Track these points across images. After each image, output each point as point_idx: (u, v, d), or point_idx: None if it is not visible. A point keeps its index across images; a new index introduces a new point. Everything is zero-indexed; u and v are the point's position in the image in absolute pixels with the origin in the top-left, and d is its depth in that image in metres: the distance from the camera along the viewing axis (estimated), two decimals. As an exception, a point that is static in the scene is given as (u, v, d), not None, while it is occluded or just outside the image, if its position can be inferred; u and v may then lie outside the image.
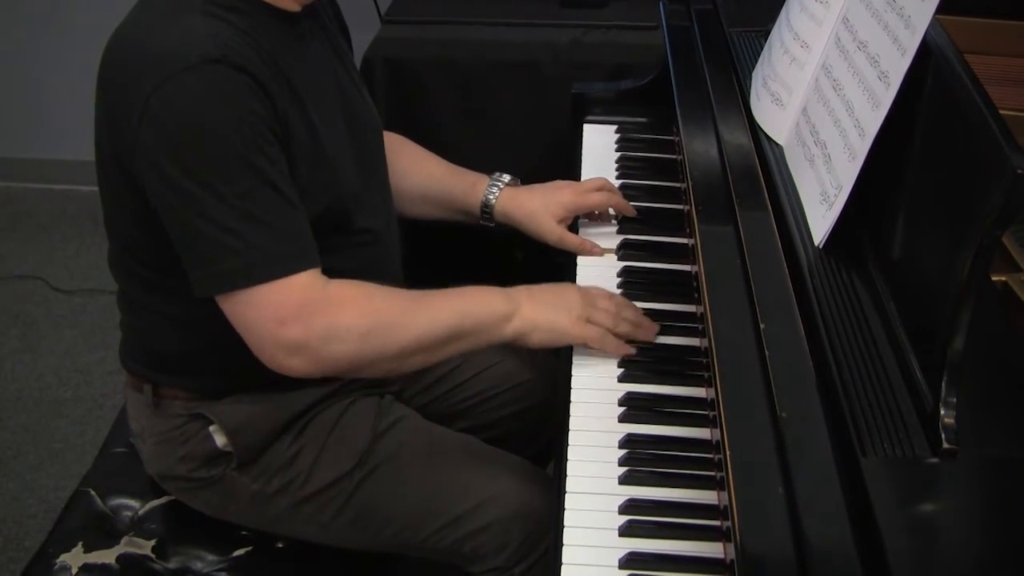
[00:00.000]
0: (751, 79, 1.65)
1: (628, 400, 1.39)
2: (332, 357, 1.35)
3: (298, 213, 1.35)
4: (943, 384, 1.00)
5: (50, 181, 3.52)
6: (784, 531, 0.96)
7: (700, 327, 1.48)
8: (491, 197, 1.72)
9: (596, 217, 1.74)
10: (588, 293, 1.48)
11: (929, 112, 1.17)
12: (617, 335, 1.45)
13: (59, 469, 2.53)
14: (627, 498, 1.26)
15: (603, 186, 1.73)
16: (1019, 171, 0.94)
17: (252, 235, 1.30)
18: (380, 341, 1.37)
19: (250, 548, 1.59)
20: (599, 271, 1.65)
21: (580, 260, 1.68)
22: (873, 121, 1.23)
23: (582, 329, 1.44)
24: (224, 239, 1.29)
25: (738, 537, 0.97)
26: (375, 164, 1.61)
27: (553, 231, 1.69)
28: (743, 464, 1.03)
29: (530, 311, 1.43)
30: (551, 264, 2.04)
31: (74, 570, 1.54)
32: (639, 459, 1.31)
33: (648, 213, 1.76)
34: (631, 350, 1.46)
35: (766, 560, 0.96)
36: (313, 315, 1.33)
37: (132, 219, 1.40)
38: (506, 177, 1.74)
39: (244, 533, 1.60)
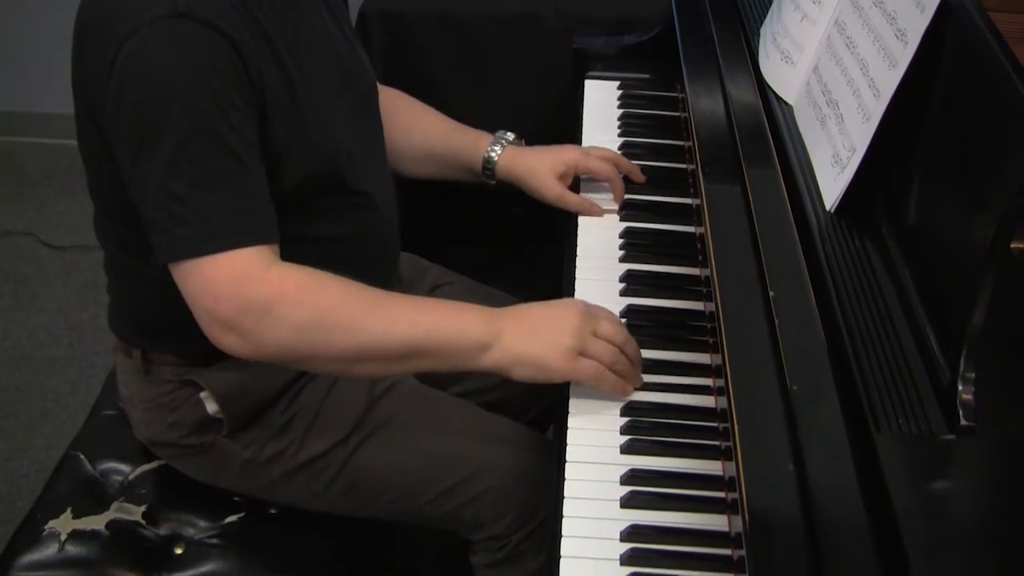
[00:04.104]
0: (760, 35, 1.60)
1: (630, 367, 1.35)
2: (265, 342, 1.27)
3: (255, 184, 1.28)
4: (961, 359, 0.96)
5: (41, 135, 3.46)
6: (794, 510, 0.93)
7: (704, 290, 1.45)
8: (493, 154, 1.67)
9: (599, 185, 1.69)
10: (590, 316, 1.31)
11: (950, 72, 1.13)
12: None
13: (51, 429, 2.50)
14: (629, 468, 1.22)
15: (610, 156, 1.67)
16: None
17: (199, 204, 1.24)
18: (318, 338, 1.27)
19: (242, 514, 1.56)
20: (601, 233, 1.61)
21: (581, 222, 1.64)
22: (889, 81, 1.18)
23: (572, 365, 1.27)
24: (173, 206, 1.24)
25: (747, 515, 0.93)
26: (369, 123, 1.55)
27: (552, 187, 1.64)
28: (752, 440, 0.99)
29: (512, 341, 1.28)
30: (549, 223, 2.00)
31: (63, 536, 1.51)
32: (642, 427, 1.28)
33: (651, 172, 1.71)
34: (630, 391, 1.31)
35: (776, 538, 0.93)
36: (249, 294, 1.25)
37: (111, 181, 1.35)
38: (510, 135, 1.70)
39: (236, 499, 1.57)
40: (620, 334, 1.31)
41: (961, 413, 0.96)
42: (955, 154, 1.09)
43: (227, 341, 1.28)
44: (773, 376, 1.04)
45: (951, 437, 0.97)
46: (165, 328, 1.47)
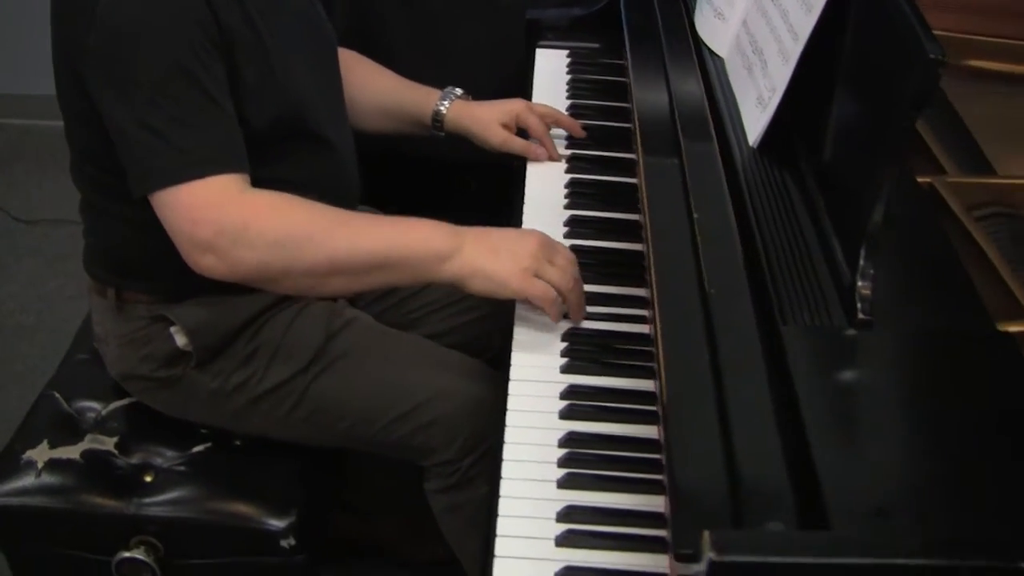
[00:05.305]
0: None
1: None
2: (241, 261, 1.36)
3: (227, 119, 1.39)
4: (861, 255, 1.06)
5: (8, 116, 3.52)
6: (708, 392, 1.03)
7: (643, 233, 1.54)
8: (442, 107, 1.78)
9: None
10: (550, 246, 1.40)
11: (858, 16, 1.23)
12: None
13: (22, 391, 2.54)
14: (568, 384, 1.33)
15: (551, 113, 1.78)
16: (932, 56, 1.00)
17: (176, 136, 1.34)
18: (291, 253, 1.36)
19: (208, 445, 1.65)
20: (549, 183, 1.71)
21: (529, 173, 1.73)
22: (806, 24, 1.29)
23: (525, 282, 1.36)
24: (149, 139, 1.34)
25: (664, 393, 1.03)
26: (330, 76, 1.66)
27: (498, 134, 1.75)
28: (673, 334, 1.10)
29: (472, 255, 1.37)
30: (504, 194, 2.09)
31: (40, 465, 1.60)
32: (580, 350, 1.38)
33: (597, 131, 1.81)
34: (560, 322, 1.41)
35: (691, 415, 1.02)
36: (225, 216, 1.35)
37: (87, 124, 1.45)
38: (458, 91, 1.80)
39: (203, 431, 1.66)
40: (574, 268, 1.41)
41: (860, 307, 1.06)
42: (862, 88, 1.20)
43: (206, 263, 1.37)
44: (694, 282, 1.15)
45: (851, 331, 1.07)
46: (138, 266, 1.57)
